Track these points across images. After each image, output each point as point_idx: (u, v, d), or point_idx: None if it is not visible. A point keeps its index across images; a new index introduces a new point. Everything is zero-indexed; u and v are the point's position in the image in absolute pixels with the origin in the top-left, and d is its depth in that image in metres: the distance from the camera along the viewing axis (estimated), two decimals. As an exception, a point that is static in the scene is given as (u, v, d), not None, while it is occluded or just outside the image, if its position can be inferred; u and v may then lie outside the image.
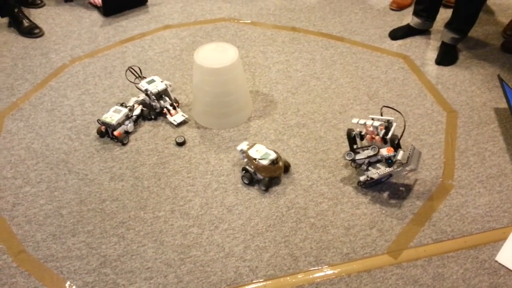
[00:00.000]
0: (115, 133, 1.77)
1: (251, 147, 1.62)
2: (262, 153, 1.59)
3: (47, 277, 1.37)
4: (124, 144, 1.78)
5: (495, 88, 2.04)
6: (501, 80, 1.88)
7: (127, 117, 1.82)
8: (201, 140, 1.81)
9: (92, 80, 2.13)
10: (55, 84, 2.11)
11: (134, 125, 1.85)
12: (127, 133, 1.82)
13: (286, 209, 1.55)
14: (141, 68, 2.17)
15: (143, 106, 1.91)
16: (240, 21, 2.54)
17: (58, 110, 1.96)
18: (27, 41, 2.41)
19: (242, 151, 1.63)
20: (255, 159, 1.57)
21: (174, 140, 1.80)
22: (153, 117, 1.90)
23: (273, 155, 1.58)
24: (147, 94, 1.87)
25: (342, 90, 2.05)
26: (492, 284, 1.33)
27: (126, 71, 2.10)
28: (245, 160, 1.63)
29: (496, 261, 1.39)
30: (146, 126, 1.88)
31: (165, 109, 1.89)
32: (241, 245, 1.45)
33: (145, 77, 1.94)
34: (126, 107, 1.83)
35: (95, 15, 2.61)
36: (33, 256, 1.42)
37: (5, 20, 2.51)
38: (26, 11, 2.57)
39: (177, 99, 1.98)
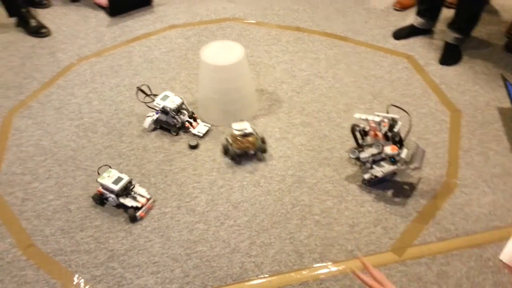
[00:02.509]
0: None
1: (239, 122, 1.71)
2: (242, 127, 1.68)
3: (56, 270, 1.39)
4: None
5: (498, 88, 2.05)
6: (505, 80, 1.89)
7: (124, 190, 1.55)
8: (207, 138, 1.83)
9: (99, 79, 2.15)
10: (62, 83, 2.13)
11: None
12: (106, 199, 1.58)
13: (291, 206, 1.57)
14: (148, 67, 2.19)
15: (160, 126, 1.85)
16: (245, 21, 2.56)
17: (65, 108, 1.99)
18: (34, 40, 2.44)
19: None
20: (233, 129, 1.68)
21: (187, 143, 1.79)
22: (174, 134, 1.83)
23: (248, 130, 1.67)
24: (165, 111, 1.80)
25: (346, 89, 2.06)
26: (496, 283, 1.34)
27: (136, 92, 1.89)
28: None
29: (501, 260, 1.40)
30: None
31: (186, 122, 1.83)
32: (247, 241, 1.47)
33: (156, 95, 1.84)
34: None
35: (101, 15, 2.64)
36: (42, 250, 1.45)
37: (13, 20, 2.54)
38: (33, 11, 2.59)
39: (182, 98, 1.96)
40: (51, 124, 1.91)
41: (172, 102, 1.79)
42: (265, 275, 1.38)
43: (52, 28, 2.52)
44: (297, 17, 2.59)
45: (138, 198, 1.55)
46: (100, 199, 1.58)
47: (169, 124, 1.83)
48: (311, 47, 2.35)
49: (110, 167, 1.60)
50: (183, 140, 1.82)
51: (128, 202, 1.53)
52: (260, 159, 1.73)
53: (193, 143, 1.78)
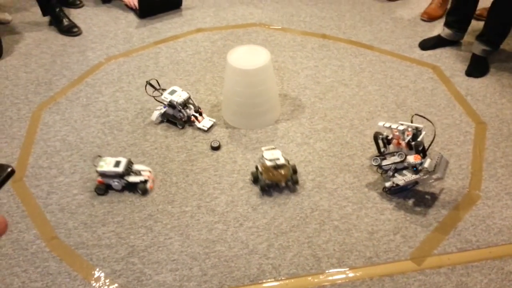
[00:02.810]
0: (99, 179, 1.62)
1: (270, 149, 1.67)
2: (273, 157, 1.62)
3: (77, 263, 1.42)
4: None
5: (526, 101, 2.01)
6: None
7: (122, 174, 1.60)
8: (229, 140, 1.85)
9: (126, 79, 2.20)
10: (91, 81, 2.19)
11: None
12: (108, 187, 1.64)
13: (310, 210, 1.57)
14: (174, 69, 2.23)
15: (167, 119, 1.92)
16: (271, 27, 2.59)
17: (93, 106, 2.04)
18: (66, 39, 2.52)
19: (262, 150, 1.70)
20: (264, 158, 1.63)
21: (209, 144, 1.82)
22: (180, 127, 1.90)
23: (280, 161, 1.61)
24: (172, 105, 1.85)
25: (370, 98, 2.06)
26: (518, 297, 1.32)
27: (145, 86, 1.98)
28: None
29: (523, 274, 1.37)
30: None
31: (192, 116, 1.89)
32: (265, 243, 1.47)
33: (164, 89, 1.90)
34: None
35: (131, 17, 2.70)
36: (64, 243, 1.49)
37: (46, 18, 2.63)
38: (66, 10, 2.67)
39: (206, 100, 2.01)
40: (78, 120, 1.96)
41: (179, 96, 1.85)
42: (282, 278, 1.38)
43: (83, 27, 2.60)
44: (324, 25, 2.60)
45: (142, 172, 1.64)
46: (103, 189, 1.63)
47: (176, 117, 1.90)
48: (336, 54, 2.35)
49: (101, 156, 1.66)
50: (206, 141, 1.84)
51: (135, 178, 1.62)
52: (292, 191, 1.64)
53: (215, 144, 1.80)
